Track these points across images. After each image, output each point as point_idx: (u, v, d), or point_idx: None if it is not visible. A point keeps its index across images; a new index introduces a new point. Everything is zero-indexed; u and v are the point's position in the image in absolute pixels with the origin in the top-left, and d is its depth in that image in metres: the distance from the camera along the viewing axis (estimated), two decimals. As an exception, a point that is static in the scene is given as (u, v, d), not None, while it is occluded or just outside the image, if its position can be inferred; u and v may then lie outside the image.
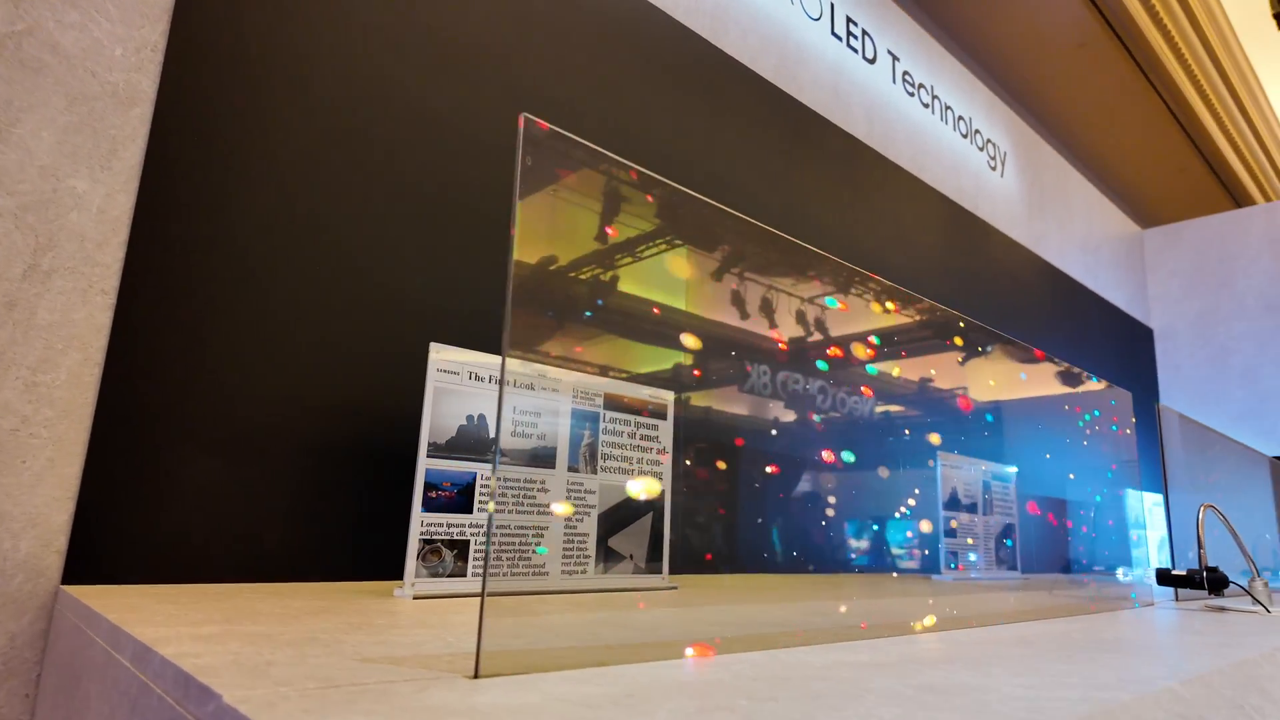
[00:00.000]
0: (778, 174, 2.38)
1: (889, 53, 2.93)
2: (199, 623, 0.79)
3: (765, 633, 0.91)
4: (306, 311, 1.46)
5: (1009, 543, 2.55)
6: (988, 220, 3.24)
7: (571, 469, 1.37)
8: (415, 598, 1.12)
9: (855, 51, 2.77)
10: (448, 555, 1.18)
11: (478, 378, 1.27)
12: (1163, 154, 8.26)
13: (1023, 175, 3.62)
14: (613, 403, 1.46)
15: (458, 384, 1.24)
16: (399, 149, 1.64)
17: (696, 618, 1.05)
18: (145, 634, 0.69)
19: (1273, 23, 6.65)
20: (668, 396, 1.55)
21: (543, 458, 1.34)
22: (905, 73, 2.99)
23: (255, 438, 1.35)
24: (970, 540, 2.42)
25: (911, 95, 2.99)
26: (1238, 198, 8.82)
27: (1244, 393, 4.02)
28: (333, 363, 1.50)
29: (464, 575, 1.20)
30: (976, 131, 3.33)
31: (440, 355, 1.22)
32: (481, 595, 0.61)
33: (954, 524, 2.40)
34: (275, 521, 1.35)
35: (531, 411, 1.33)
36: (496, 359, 1.30)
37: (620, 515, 1.43)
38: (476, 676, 0.59)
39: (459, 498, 1.21)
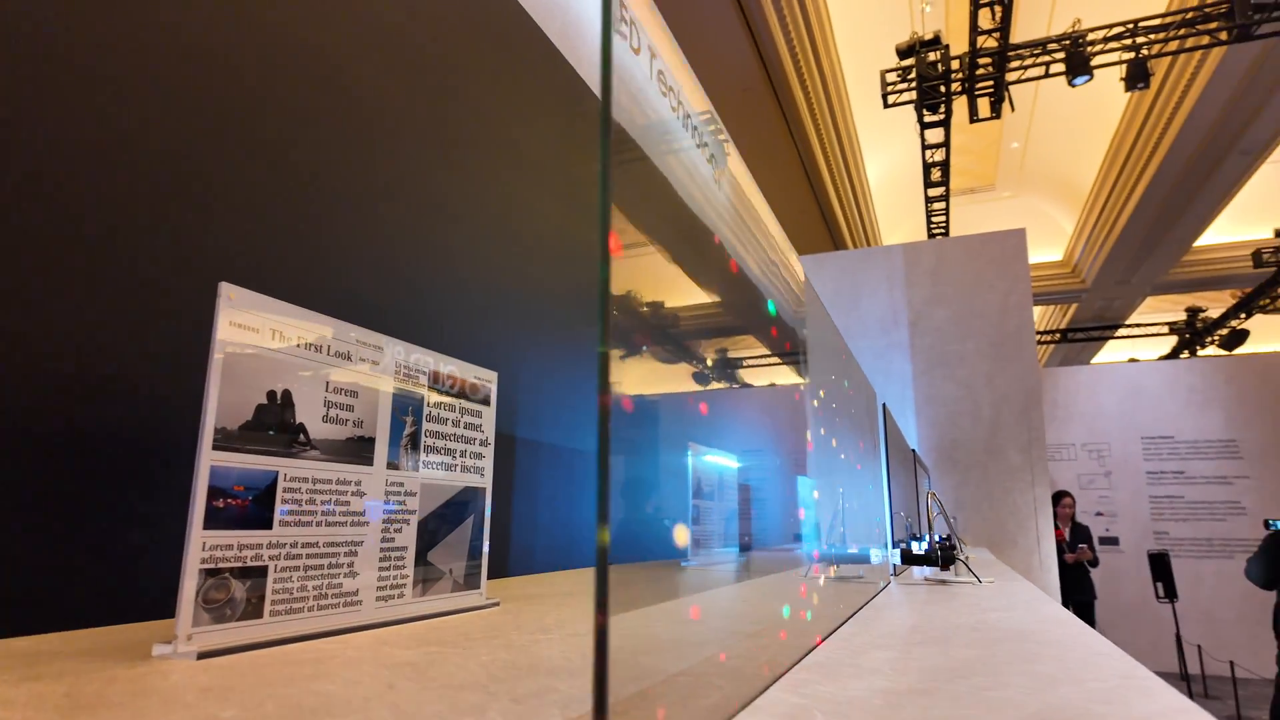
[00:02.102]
0: (556, 144, 2.22)
1: (649, 48, 2.97)
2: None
3: (703, 655, 0.79)
4: (15, 230, 0.92)
5: (733, 529, 2.76)
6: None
7: (391, 465, 1.07)
8: (200, 656, 0.75)
9: (624, 37, 2.75)
10: (238, 589, 0.82)
11: (284, 338, 0.91)
12: (793, 194, 9.91)
13: (731, 191, 3.98)
14: (439, 382, 1.19)
15: (257, 346, 0.87)
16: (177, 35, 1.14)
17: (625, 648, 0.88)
18: None
19: (879, 103, 8.33)
20: (491, 376, 1.32)
21: (359, 451, 1.02)
22: (660, 71, 3.05)
23: None
24: (710, 527, 2.55)
25: (664, 96, 3.07)
26: (836, 241, 10.96)
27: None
28: (64, 309, 0.97)
29: (260, 617, 0.85)
30: (704, 145, 3.57)
31: (235, 306, 0.84)
32: (600, 664, 0.40)
33: (699, 512, 2.51)
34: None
35: (348, 390, 1.01)
36: (308, 315, 0.95)
37: (440, 521, 1.16)
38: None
39: (254, 507, 0.85)
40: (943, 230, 9.63)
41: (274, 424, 0.88)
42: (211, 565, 0.80)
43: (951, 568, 1.77)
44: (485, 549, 1.25)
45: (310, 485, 0.93)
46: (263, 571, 0.86)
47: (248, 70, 1.31)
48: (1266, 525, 4.33)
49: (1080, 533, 5.42)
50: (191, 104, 1.21)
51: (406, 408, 1.11)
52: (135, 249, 1.12)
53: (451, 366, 1.22)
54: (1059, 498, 5.43)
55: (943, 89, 7.52)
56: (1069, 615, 1.16)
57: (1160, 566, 5.41)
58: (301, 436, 0.92)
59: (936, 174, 8.62)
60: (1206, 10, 6.69)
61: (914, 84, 7.71)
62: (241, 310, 0.85)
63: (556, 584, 1.64)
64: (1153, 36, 6.77)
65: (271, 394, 0.88)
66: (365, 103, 1.53)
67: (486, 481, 1.27)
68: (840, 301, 5.15)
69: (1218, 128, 8.13)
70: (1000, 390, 4.60)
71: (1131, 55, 6.83)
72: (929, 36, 7.49)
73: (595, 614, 0.39)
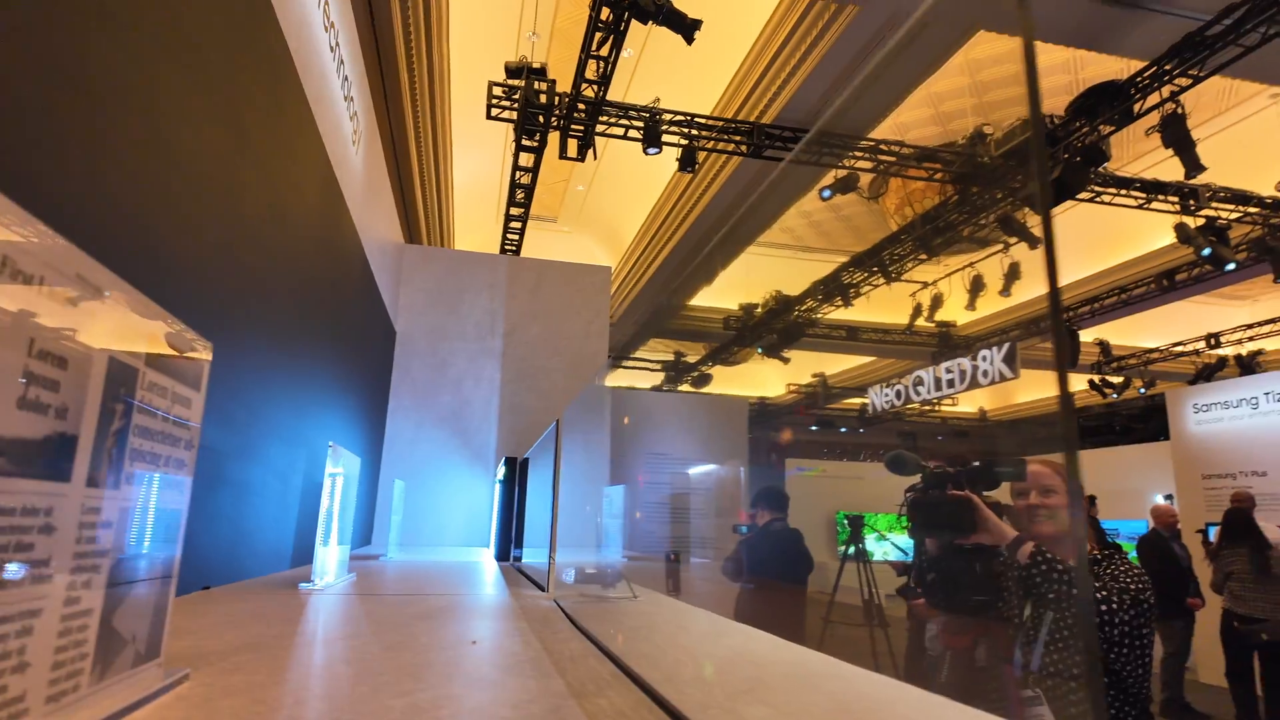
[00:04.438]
0: (208, 51, 1.72)
1: (320, -32, 2.48)
2: None
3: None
4: None
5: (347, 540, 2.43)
6: (344, 194, 3.05)
7: (90, 480, 0.66)
8: None
9: (299, -57, 2.24)
10: None
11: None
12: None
13: (367, 160, 3.56)
14: (167, 358, 0.78)
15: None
16: None
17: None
18: None
19: (478, 108, 8.45)
20: (205, 348, 0.92)
21: (55, 458, 0.60)
22: (325, 2, 2.57)
23: None
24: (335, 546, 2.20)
25: (326, 30, 2.59)
26: (412, 233, 10.72)
27: (450, 398, 4.92)
28: None
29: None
30: (350, 98, 3.12)
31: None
32: None
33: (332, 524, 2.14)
34: None
35: (56, 357, 0.59)
36: (14, 211, 0.53)
37: (128, 565, 0.75)
38: None
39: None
40: (514, 248, 10.19)
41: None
42: None
43: (616, 585, 1.86)
44: (171, 599, 0.86)
45: (-14, 520, 0.52)
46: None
47: None
48: (735, 530, 5.56)
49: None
50: None
51: (119, 389, 0.70)
52: None
53: (169, 327, 0.81)
54: None
55: (541, 119, 8.02)
56: (748, 628, 1.33)
57: (672, 563, 6.54)
58: (-15, 433, 0.51)
59: (521, 195, 9.10)
60: (737, 124, 8.54)
61: (517, 105, 8.04)
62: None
63: (206, 631, 1.24)
64: (702, 132, 8.35)
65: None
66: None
67: (184, 501, 0.88)
68: (443, 299, 5.02)
69: (724, 217, 10.40)
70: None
71: (687, 142, 8.31)
72: (537, 65, 7.93)
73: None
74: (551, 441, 2.80)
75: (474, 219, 12.48)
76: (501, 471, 3.85)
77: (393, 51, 7.49)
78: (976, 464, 2.33)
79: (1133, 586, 1.88)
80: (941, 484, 2.32)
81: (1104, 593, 1.82)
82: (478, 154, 10.71)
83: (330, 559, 2.01)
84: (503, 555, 3.40)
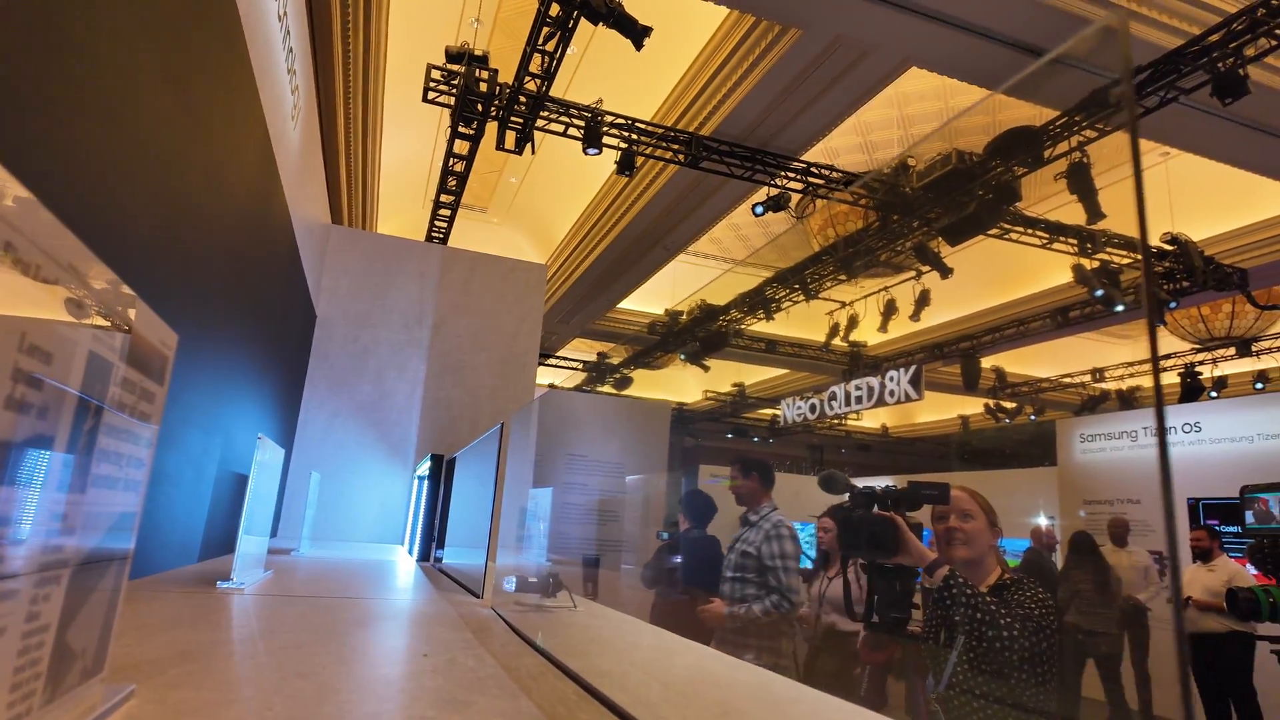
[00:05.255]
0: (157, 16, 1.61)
1: (274, -68, 2.34)
2: None
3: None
4: None
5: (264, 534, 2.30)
6: (279, 169, 2.90)
7: (62, 485, 0.59)
8: None
9: (257, -96, 2.12)
10: None
11: None
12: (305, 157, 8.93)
13: (303, 136, 3.39)
14: (138, 349, 0.72)
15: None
16: None
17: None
18: None
19: (412, 88, 8.20)
20: (171, 339, 0.85)
21: (32, 460, 0.54)
22: (277, -34, 2.43)
23: None
24: (260, 535, 2.08)
25: (274, 0, 2.45)
26: (334, 212, 10.30)
27: (370, 388, 4.75)
28: None
29: None
30: (293, 71, 2.97)
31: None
32: None
33: (253, 518, 2.03)
34: None
35: (44, 352, 0.53)
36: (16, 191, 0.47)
37: (85, 576, 0.69)
38: None
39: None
40: (441, 236, 9.93)
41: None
42: None
43: (557, 594, 1.84)
44: (119, 610, 0.79)
45: (-34, 534, 0.46)
46: None
47: None
48: (658, 536, 5.60)
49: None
50: None
51: (95, 384, 0.64)
52: None
53: (140, 314, 0.75)
54: None
55: (480, 108, 7.85)
56: (699, 645, 1.35)
57: (591, 567, 6.50)
58: (-26, 438, 0.46)
59: (453, 183, 8.88)
60: (675, 133, 8.62)
61: (456, 91, 7.86)
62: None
63: (132, 635, 1.15)
64: (642, 138, 8.39)
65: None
66: None
67: (137, 504, 0.81)
68: (369, 284, 4.85)
69: (656, 223, 10.49)
70: (501, 403, 4.96)
71: (626, 146, 8.32)
72: (479, 52, 7.77)
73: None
74: (484, 442, 2.75)
75: (398, 202, 12.10)
76: (425, 468, 3.74)
77: (328, 21, 7.20)
78: (902, 486, 2.43)
79: (1036, 612, 1.98)
80: (868, 504, 2.41)
81: (1007, 619, 1.91)
82: (408, 136, 10.39)
83: (250, 557, 1.91)
84: (424, 555, 3.30)
